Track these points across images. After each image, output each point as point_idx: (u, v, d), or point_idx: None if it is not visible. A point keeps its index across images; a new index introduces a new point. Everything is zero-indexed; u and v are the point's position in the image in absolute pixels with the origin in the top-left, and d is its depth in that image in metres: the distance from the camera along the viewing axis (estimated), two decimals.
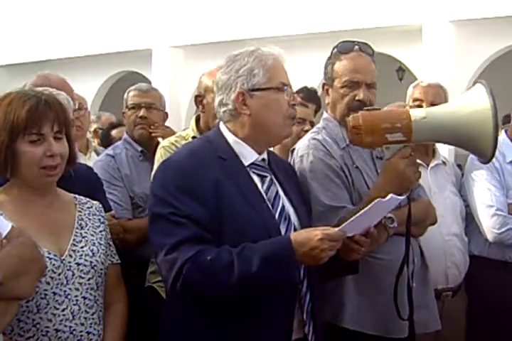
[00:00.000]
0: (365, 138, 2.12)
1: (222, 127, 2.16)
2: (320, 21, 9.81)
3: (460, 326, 3.14)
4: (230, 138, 2.12)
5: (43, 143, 1.97)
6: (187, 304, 2.01)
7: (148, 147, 3.36)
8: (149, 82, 10.92)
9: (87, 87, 10.13)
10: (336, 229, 1.88)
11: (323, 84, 2.56)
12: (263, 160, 2.16)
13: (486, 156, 2.14)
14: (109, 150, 3.41)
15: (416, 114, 2.13)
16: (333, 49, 2.54)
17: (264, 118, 2.09)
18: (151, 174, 3.23)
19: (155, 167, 2.93)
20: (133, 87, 3.48)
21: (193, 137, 2.98)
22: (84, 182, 2.41)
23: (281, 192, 2.14)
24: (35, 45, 12.46)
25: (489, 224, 3.17)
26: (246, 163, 2.10)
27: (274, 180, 2.15)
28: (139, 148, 3.34)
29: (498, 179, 3.23)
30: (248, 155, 2.11)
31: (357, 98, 2.45)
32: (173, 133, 3.31)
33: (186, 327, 2.01)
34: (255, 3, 10.56)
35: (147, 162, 3.31)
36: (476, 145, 2.13)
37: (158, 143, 3.31)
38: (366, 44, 2.54)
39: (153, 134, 3.36)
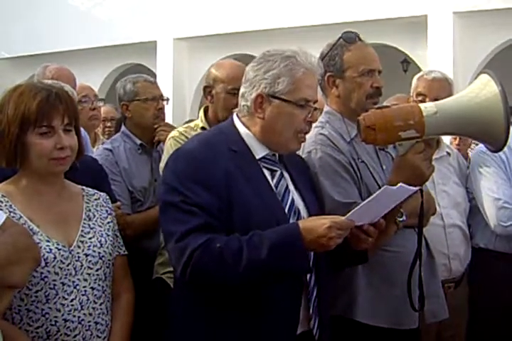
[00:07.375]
0: (379, 137, 2.11)
1: (236, 119, 2.15)
2: (324, 13, 9.78)
3: (463, 316, 3.14)
4: (243, 130, 2.12)
5: (53, 136, 1.98)
6: (194, 293, 2.01)
7: (148, 140, 3.31)
8: (154, 74, 10.95)
9: (92, 80, 10.08)
10: (344, 217, 1.89)
11: (329, 77, 2.51)
12: (274, 154, 2.15)
13: (498, 144, 2.12)
14: (107, 144, 3.36)
15: (427, 109, 2.11)
16: (337, 40, 2.52)
17: (274, 127, 2.08)
18: (149, 167, 3.23)
19: (165, 157, 2.93)
20: (140, 79, 3.36)
21: (202, 128, 2.97)
22: (89, 174, 2.41)
23: (291, 187, 2.13)
24: (39, 37, 12.43)
25: (497, 217, 3.14)
26: (257, 157, 2.10)
27: (285, 175, 2.15)
28: (138, 141, 3.28)
29: (505, 171, 3.22)
30: (259, 149, 2.11)
31: (375, 85, 2.46)
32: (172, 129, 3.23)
33: (193, 317, 2.01)
34: None
35: (146, 155, 3.28)
36: (488, 133, 2.11)
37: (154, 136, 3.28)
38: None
39: (160, 136, 3.26)
